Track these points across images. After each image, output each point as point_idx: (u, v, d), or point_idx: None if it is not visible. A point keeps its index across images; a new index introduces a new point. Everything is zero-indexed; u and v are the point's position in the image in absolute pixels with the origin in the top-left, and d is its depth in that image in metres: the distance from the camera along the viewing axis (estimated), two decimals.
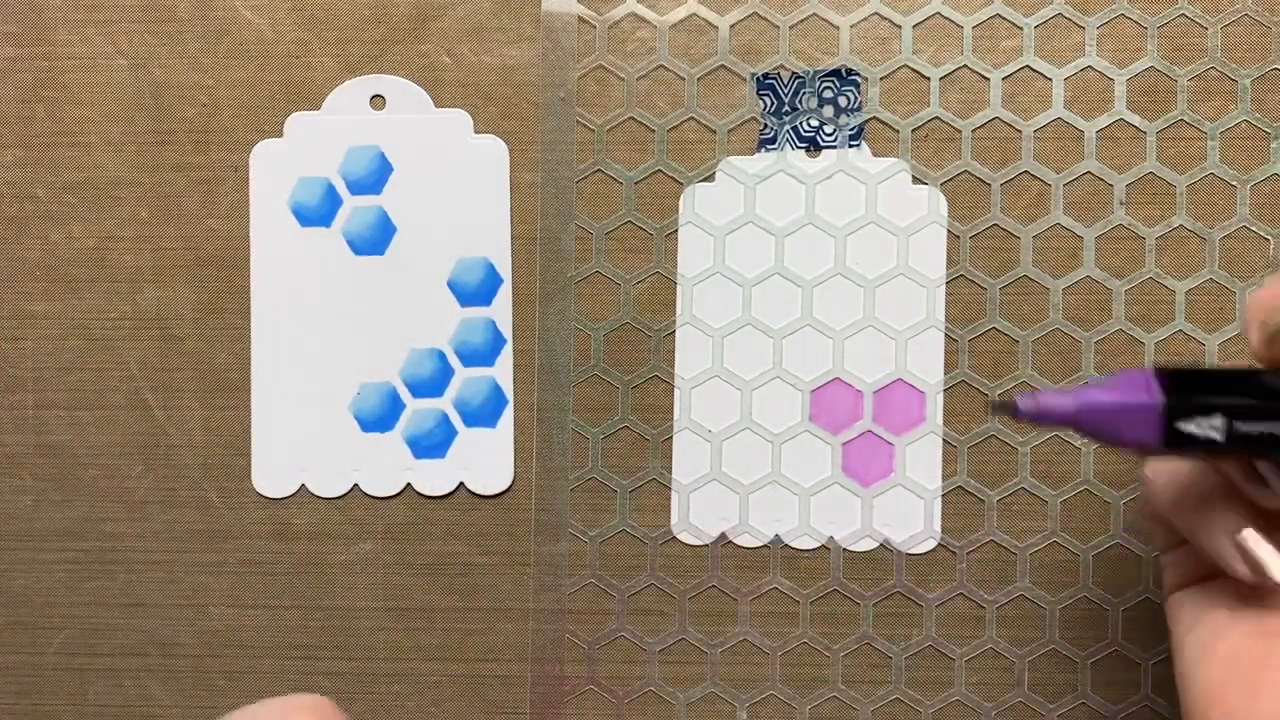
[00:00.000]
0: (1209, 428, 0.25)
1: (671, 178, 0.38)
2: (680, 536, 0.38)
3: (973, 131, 0.37)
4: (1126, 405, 0.25)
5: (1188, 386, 0.25)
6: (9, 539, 0.40)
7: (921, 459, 0.37)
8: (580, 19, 0.38)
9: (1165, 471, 0.28)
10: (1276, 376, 0.25)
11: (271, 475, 0.39)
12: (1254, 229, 0.36)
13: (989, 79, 0.37)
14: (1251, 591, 0.28)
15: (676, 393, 0.38)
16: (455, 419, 0.38)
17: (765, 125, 0.37)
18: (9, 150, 0.39)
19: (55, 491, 0.39)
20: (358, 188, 0.38)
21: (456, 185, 0.38)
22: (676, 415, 0.38)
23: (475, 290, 0.38)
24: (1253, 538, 0.26)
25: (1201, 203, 0.36)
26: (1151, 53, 0.36)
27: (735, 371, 0.38)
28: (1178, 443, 0.25)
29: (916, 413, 0.37)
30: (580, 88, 0.38)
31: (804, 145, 0.37)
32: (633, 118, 0.38)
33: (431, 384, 0.38)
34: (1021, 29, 0.37)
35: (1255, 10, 0.36)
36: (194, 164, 0.39)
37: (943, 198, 0.37)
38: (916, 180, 0.37)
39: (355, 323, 0.38)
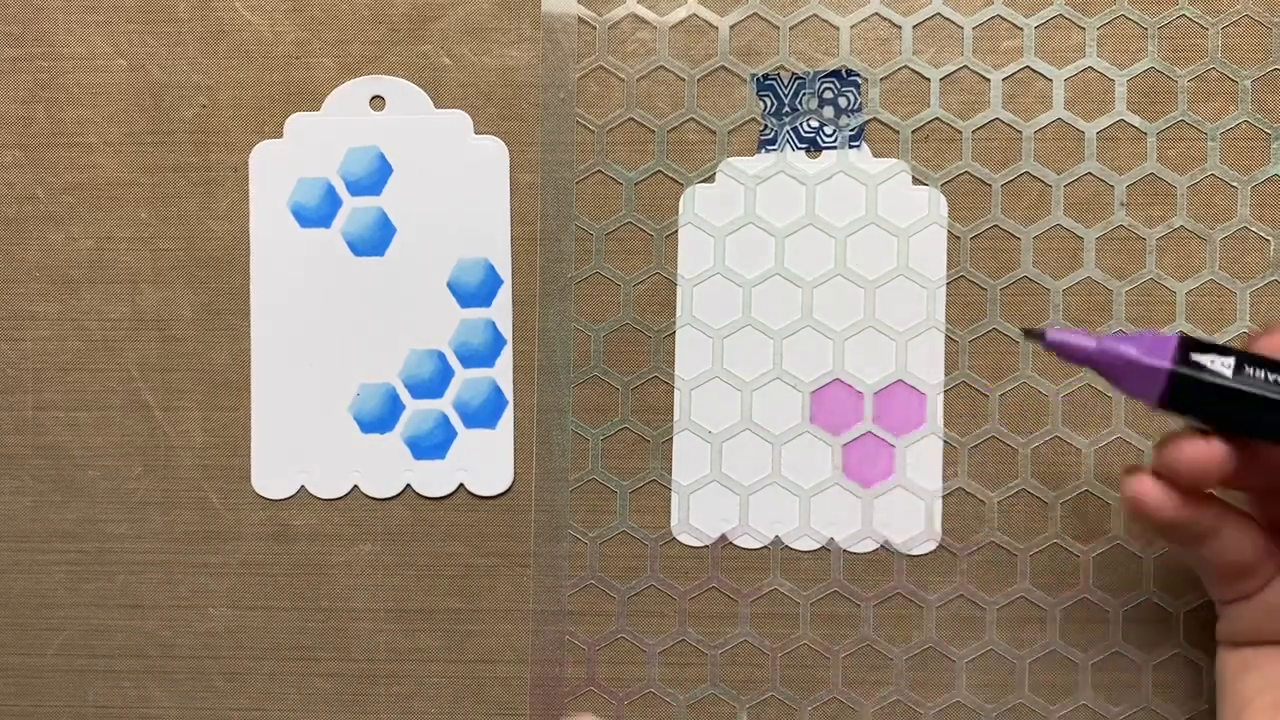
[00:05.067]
0: (1221, 365, 0.27)
1: (671, 178, 0.38)
2: (680, 538, 0.38)
3: (973, 132, 0.37)
4: (1141, 358, 0.28)
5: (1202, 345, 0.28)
6: (9, 540, 0.39)
7: (922, 460, 0.37)
8: (580, 19, 0.38)
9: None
10: None
11: (271, 476, 0.39)
12: (1254, 230, 0.36)
13: (989, 80, 0.37)
14: None
15: (676, 393, 0.38)
16: (455, 420, 0.38)
17: (765, 126, 0.37)
18: (9, 151, 0.39)
19: (55, 492, 0.39)
20: (357, 188, 0.38)
21: (456, 186, 0.38)
22: (676, 416, 0.38)
23: (475, 291, 0.38)
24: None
25: (1202, 204, 0.36)
26: (1152, 53, 0.36)
27: (735, 372, 0.38)
28: (1183, 390, 0.27)
29: (917, 414, 0.37)
30: (580, 88, 0.38)
31: (804, 146, 0.37)
32: (633, 118, 0.38)
33: (431, 385, 0.38)
34: (1022, 30, 0.37)
35: (1255, 11, 0.36)
36: (193, 164, 0.39)
37: (943, 198, 0.37)
38: (917, 181, 0.37)
39: (355, 323, 0.38)
